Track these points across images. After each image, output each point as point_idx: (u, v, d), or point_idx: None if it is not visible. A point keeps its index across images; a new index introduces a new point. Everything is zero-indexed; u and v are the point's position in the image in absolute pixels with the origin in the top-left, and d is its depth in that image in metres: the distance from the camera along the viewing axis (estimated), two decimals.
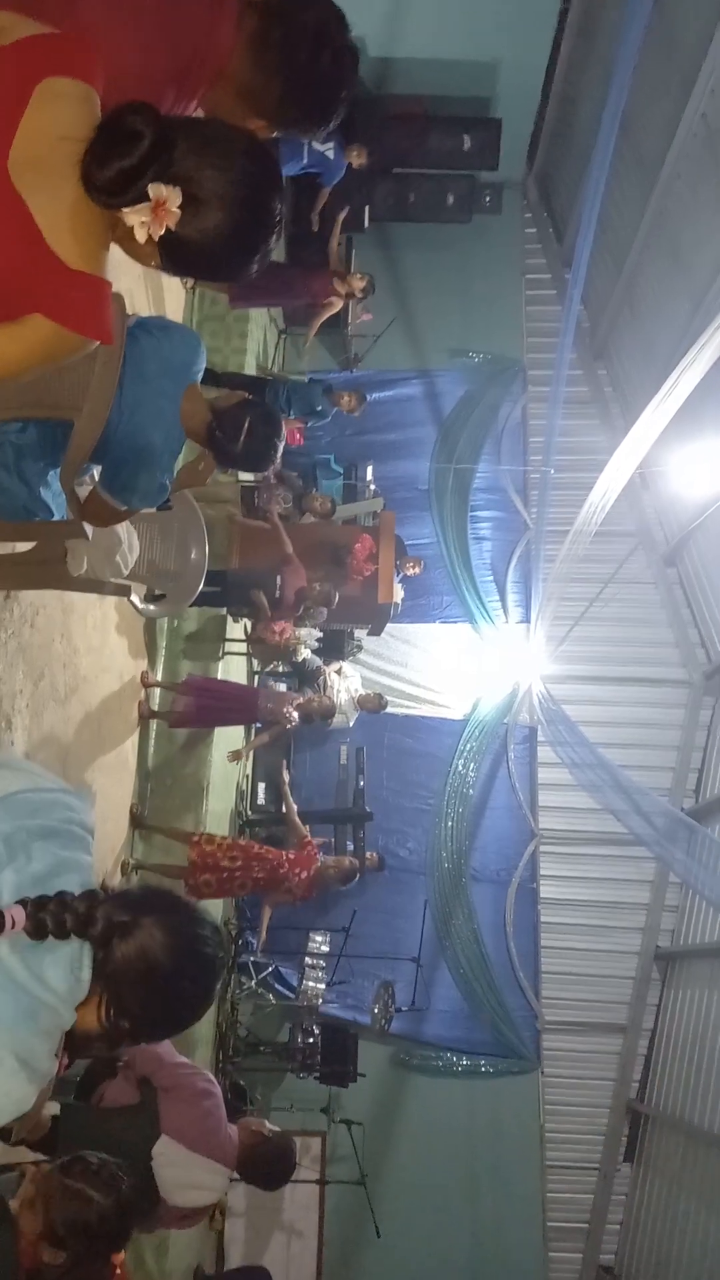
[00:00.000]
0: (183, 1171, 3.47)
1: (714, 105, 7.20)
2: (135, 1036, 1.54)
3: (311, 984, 7.99)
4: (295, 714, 6.50)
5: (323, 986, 8.02)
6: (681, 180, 7.91)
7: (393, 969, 8.35)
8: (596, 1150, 8.99)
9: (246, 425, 2.89)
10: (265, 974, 8.22)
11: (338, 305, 7.67)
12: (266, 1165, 3.69)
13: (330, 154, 7.16)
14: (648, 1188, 8.65)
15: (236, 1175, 3.69)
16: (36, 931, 1.38)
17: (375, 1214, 7.66)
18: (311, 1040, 7.79)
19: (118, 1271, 2.39)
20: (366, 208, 9.40)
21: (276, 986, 8.34)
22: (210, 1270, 7.62)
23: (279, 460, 3.16)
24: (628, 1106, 8.97)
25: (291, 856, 5.91)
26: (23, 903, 1.39)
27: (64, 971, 1.42)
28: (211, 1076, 3.75)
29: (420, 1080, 8.79)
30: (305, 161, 7.09)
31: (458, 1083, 8.82)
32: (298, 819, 6.22)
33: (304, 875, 5.90)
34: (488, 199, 10.31)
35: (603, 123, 6.70)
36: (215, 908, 7.26)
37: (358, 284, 7.56)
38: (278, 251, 8.41)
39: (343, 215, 7.82)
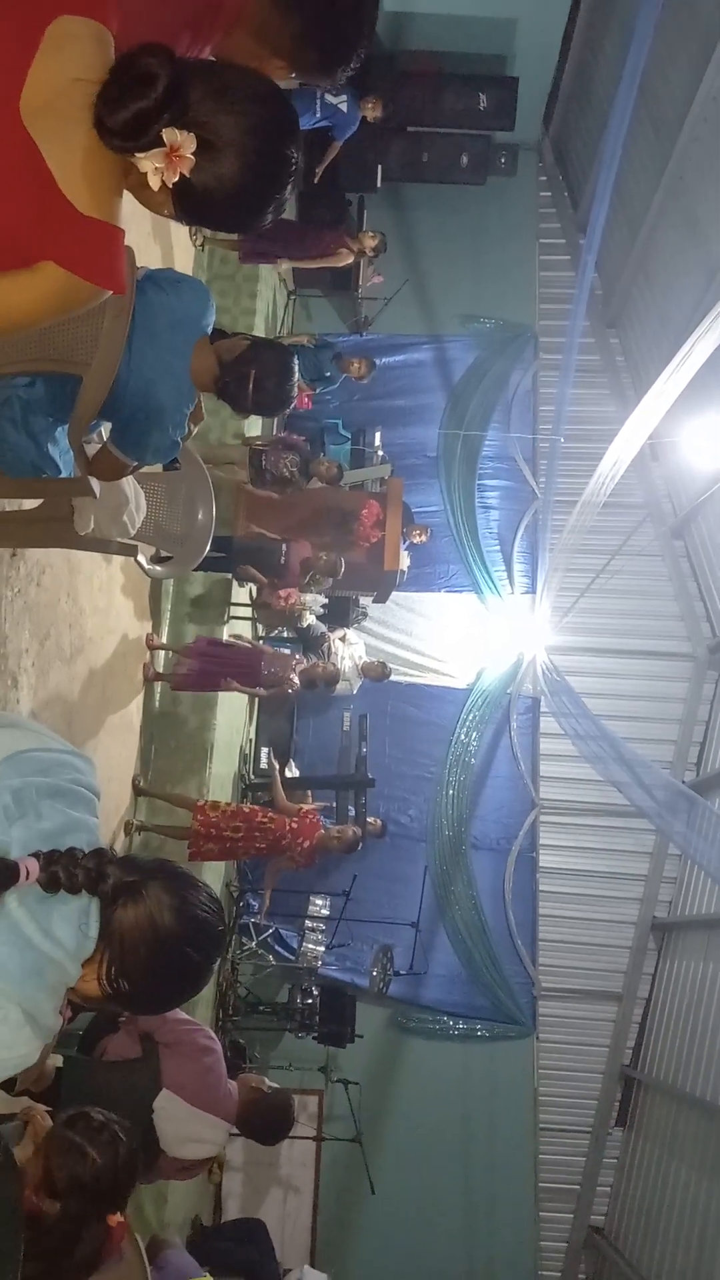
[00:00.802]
0: (183, 1125, 3.53)
1: None
2: (134, 1002, 1.53)
3: (311, 946, 8.08)
4: (297, 678, 6.51)
5: (322, 949, 8.11)
6: (699, 146, 7.77)
7: (392, 933, 8.44)
8: (589, 1114, 9.13)
9: (253, 373, 2.85)
10: (265, 935, 8.31)
11: (348, 258, 7.57)
12: (265, 1120, 3.75)
13: (344, 107, 7.03)
14: (639, 1151, 8.79)
15: (236, 1130, 3.74)
16: (49, 884, 1.38)
17: (370, 1171, 7.80)
18: (310, 1001, 7.88)
19: (113, 1228, 2.40)
20: (379, 166, 9.26)
21: (276, 948, 8.43)
22: (207, 1222, 7.78)
23: (291, 408, 3.14)
24: (621, 1072, 9.09)
25: (294, 826, 5.93)
26: (35, 856, 1.40)
27: (72, 927, 1.42)
28: (212, 1033, 3.80)
29: (417, 1042, 8.91)
30: (318, 115, 6.97)
31: (454, 1046, 8.94)
32: (286, 803, 6.22)
33: (306, 844, 5.93)
34: (503, 160, 10.14)
35: (621, 86, 6.57)
36: (217, 869, 7.33)
37: (369, 242, 7.46)
38: (289, 208, 8.26)
39: (334, 150, 7.62)
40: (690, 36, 7.25)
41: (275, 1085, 3.80)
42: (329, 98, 6.87)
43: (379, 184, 9.39)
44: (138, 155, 1.39)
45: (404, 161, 9.75)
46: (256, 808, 6.17)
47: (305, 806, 6.24)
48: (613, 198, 7.18)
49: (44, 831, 1.45)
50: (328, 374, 7.91)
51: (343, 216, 9.25)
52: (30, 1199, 2.25)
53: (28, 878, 1.37)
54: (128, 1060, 3.59)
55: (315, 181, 7.93)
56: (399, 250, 9.70)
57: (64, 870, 1.40)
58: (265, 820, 5.88)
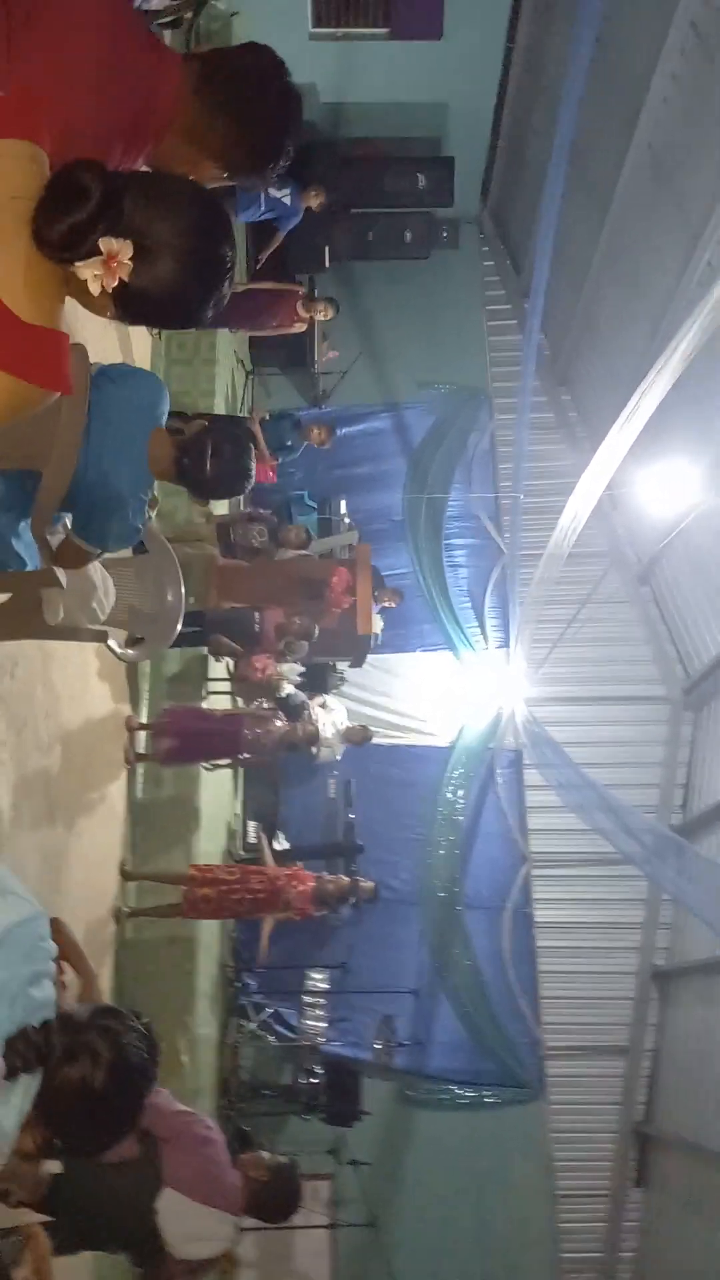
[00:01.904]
0: (188, 1222, 3.42)
1: (659, 135, 7.40)
2: (67, 1152, 1.70)
3: (311, 1022, 7.92)
4: (277, 744, 6.51)
5: (324, 1024, 7.95)
6: (633, 208, 8.10)
7: (392, 1002, 8.29)
8: (606, 1177, 8.89)
9: (211, 447, 2.90)
10: (265, 1015, 8.14)
11: (302, 328, 7.79)
12: (274, 1199, 3.64)
13: (287, 199, 7.29)
14: (660, 1211, 8.55)
15: (245, 1221, 3.63)
16: (9, 1075, 1.48)
17: (389, 1257, 7.54)
18: (314, 1080, 7.71)
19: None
20: (326, 247, 9.56)
21: (276, 1028, 8.24)
22: None
23: (251, 484, 3.16)
24: (634, 1129, 8.89)
25: (287, 872, 5.93)
26: None
27: (13, 1112, 1.51)
28: (211, 1123, 3.70)
29: (426, 1115, 8.68)
30: (262, 208, 7.21)
31: (464, 1115, 8.72)
32: (274, 865, 6.23)
33: (302, 890, 5.89)
34: (445, 234, 10.53)
35: (553, 155, 6.85)
36: (211, 949, 7.20)
37: (321, 312, 7.69)
38: (242, 280, 8.43)
39: (276, 240, 7.91)
40: (618, 98, 7.59)
41: (277, 1158, 3.70)
42: (273, 191, 7.13)
43: (327, 264, 9.70)
44: (77, 264, 1.45)
45: (350, 241, 10.09)
46: (248, 866, 6.16)
47: (294, 865, 6.23)
48: (554, 260, 7.43)
49: (16, 1022, 1.54)
50: (289, 443, 8.06)
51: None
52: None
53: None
54: (126, 1160, 3.49)
55: (258, 268, 8.18)
56: (352, 324, 9.98)
57: (20, 1056, 1.49)
58: (259, 869, 5.89)
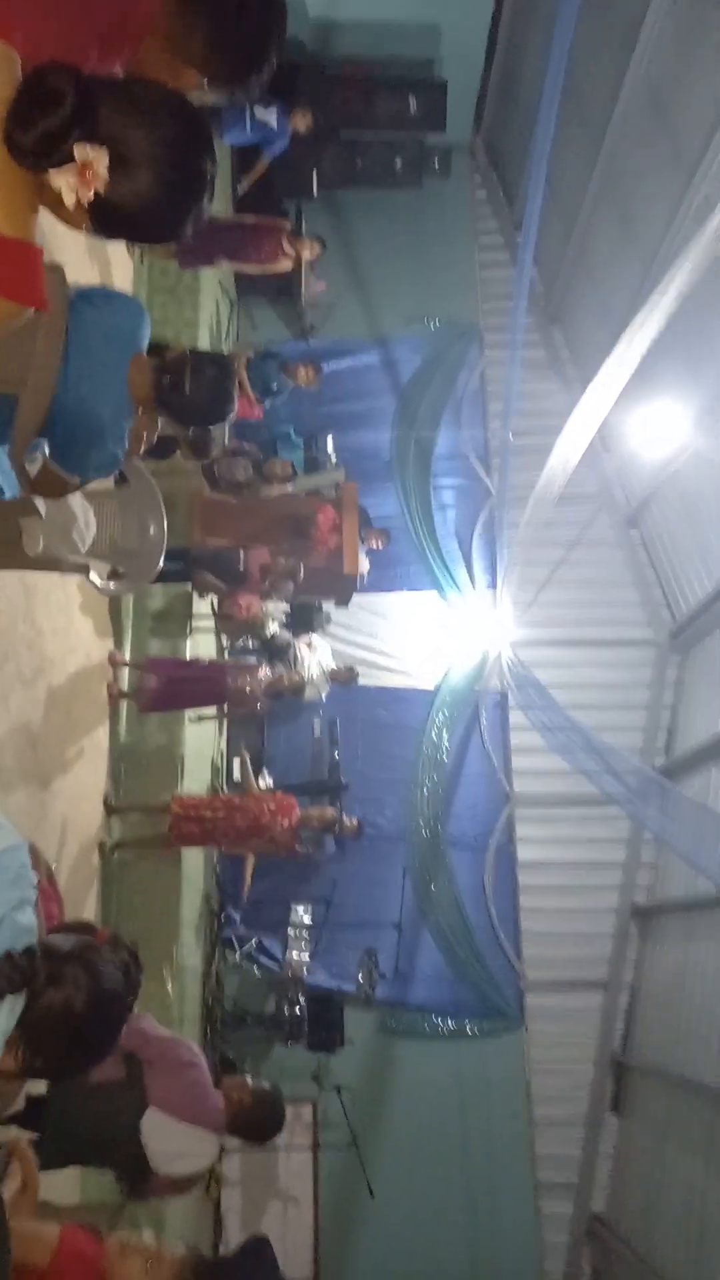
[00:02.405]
0: (172, 1141, 3.52)
1: (656, 66, 7.19)
2: (45, 1074, 1.72)
3: (295, 955, 8.06)
4: (262, 693, 6.51)
5: (307, 957, 8.09)
6: (627, 140, 7.90)
7: (375, 937, 8.44)
8: (583, 1105, 9.15)
9: (191, 370, 2.81)
10: (249, 947, 8.28)
11: (288, 266, 7.59)
12: (256, 1120, 3.76)
13: (273, 121, 7.07)
14: (634, 1137, 8.83)
15: (227, 1140, 3.74)
16: None
17: (368, 1176, 7.79)
18: (298, 1010, 7.87)
19: None
20: (315, 173, 9.31)
21: (261, 959, 8.40)
22: (208, 1240, 7.72)
23: (234, 410, 3.08)
24: (611, 1059, 9.14)
25: (272, 807, 5.97)
26: None
27: None
28: (196, 1047, 3.79)
29: (407, 1044, 8.90)
30: (249, 131, 6.99)
31: (444, 1044, 8.94)
32: (259, 791, 6.27)
33: (286, 823, 5.96)
34: (436, 162, 10.26)
35: (547, 83, 6.64)
36: (196, 882, 7.29)
37: (308, 250, 7.47)
38: (226, 210, 8.19)
39: (261, 166, 7.67)
40: (613, 29, 7.36)
41: (260, 1084, 3.81)
42: (259, 113, 6.90)
43: (315, 191, 9.45)
44: (51, 173, 1.40)
45: (339, 168, 9.82)
46: (232, 795, 6.20)
47: (279, 792, 6.27)
48: (547, 193, 7.25)
49: (1, 943, 1.59)
50: (274, 386, 7.90)
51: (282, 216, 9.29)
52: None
53: None
54: (112, 1081, 3.57)
55: (241, 196, 7.95)
56: (340, 256, 9.75)
57: (5, 979, 1.53)
58: (244, 802, 5.93)
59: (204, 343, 7.76)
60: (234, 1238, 7.71)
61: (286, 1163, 8.08)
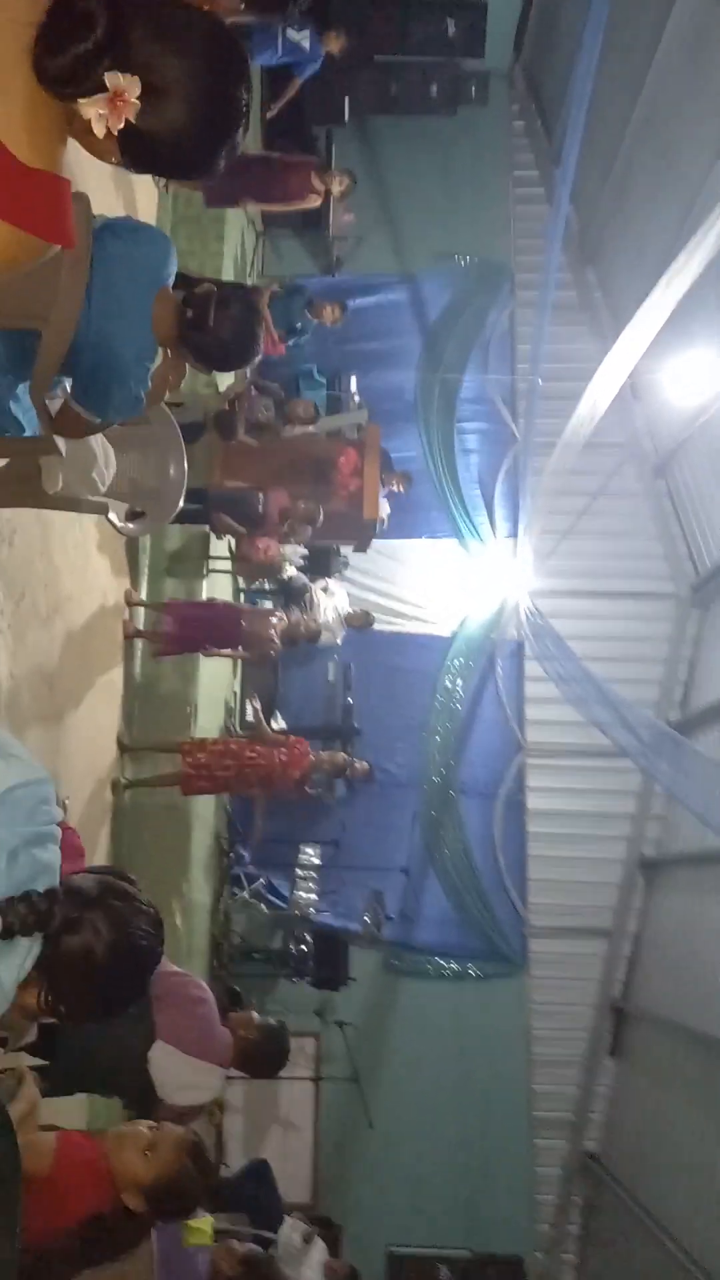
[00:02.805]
0: (178, 1073, 3.59)
1: None
2: (68, 1018, 1.67)
3: (303, 895, 8.18)
4: (278, 639, 6.49)
5: (314, 896, 8.21)
6: (672, 73, 7.58)
7: (382, 879, 8.55)
8: (581, 1047, 9.35)
9: (217, 310, 2.71)
10: (257, 884, 8.41)
11: (316, 201, 7.36)
12: (261, 1056, 3.84)
13: (306, 44, 6.79)
14: (629, 1080, 9.03)
15: (233, 1072, 3.82)
16: (4, 933, 1.48)
17: (368, 1107, 8.00)
18: (304, 947, 8.01)
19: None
20: (347, 99, 9.00)
21: (269, 897, 8.53)
22: (210, 1160, 7.96)
23: (259, 353, 2.99)
24: (611, 1005, 9.30)
25: (283, 758, 5.97)
26: None
27: (12, 970, 1.51)
28: (203, 984, 3.85)
29: (410, 984, 9.07)
30: (280, 53, 6.73)
31: (447, 985, 9.11)
32: (272, 735, 6.28)
33: (297, 774, 5.98)
34: (473, 90, 9.89)
35: (591, 9, 6.37)
36: (207, 821, 7.38)
37: (337, 184, 7.23)
38: (255, 143, 7.98)
39: (293, 88, 7.40)
40: None
41: (266, 1019, 3.87)
42: (291, 34, 6.62)
43: (347, 117, 9.14)
44: (80, 101, 1.32)
45: (372, 94, 9.49)
46: (244, 741, 6.20)
47: (292, 738, 6.28)
48: (586, 127, 6.99)
49: (17, 881, 1.53)
50: (299, 324, 7.71)
51: (310, 152, 9.00)
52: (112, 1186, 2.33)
53: None
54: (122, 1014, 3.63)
55: (271, 118, 7.69)
56: (370, 186, 9.47)
57: (19, 919, 1.49)
58: (254, 755, 5.92)
59: (229, 274, 7.59)
60: (235, 1162, 7.96)
61: (289, 1092, 8.31)
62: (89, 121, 1.35)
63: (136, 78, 1.32)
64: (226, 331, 2.65)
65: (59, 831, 1.67)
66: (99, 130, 1.34)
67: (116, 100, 1.32)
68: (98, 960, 1.59)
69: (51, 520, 4.45)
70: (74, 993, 1.61)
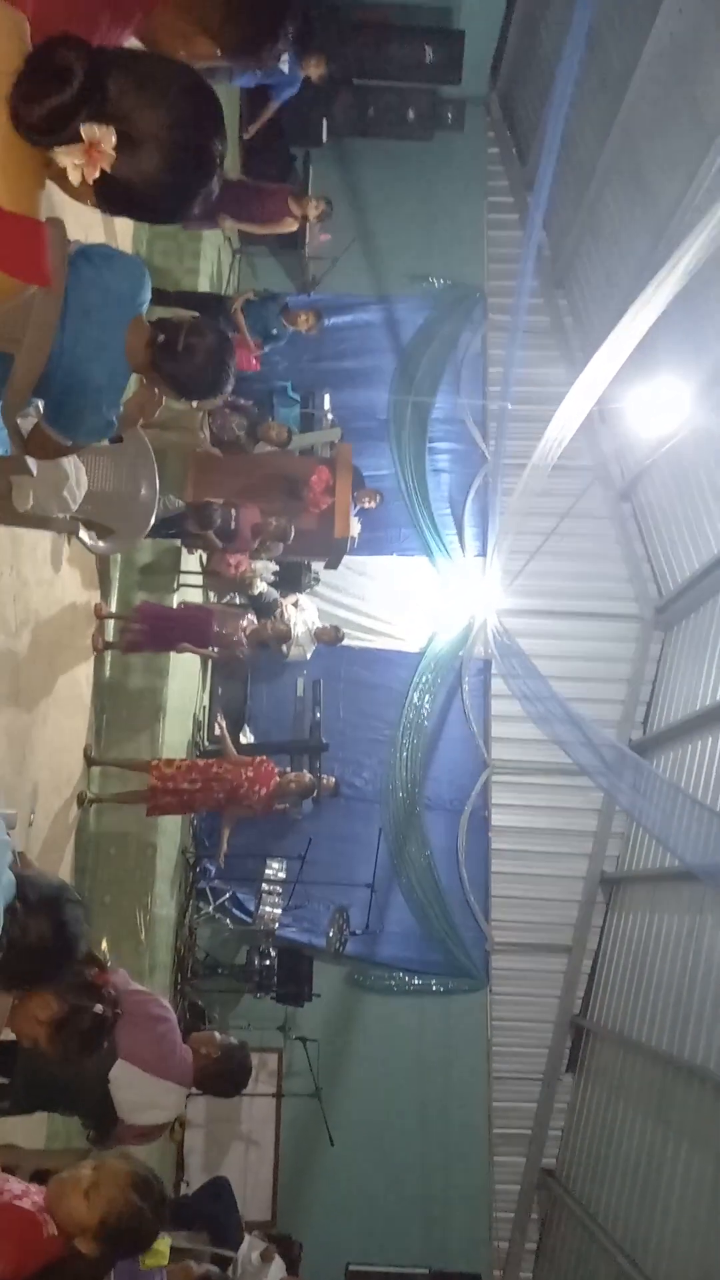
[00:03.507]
0: (139, 1093, 3.59)
1: (682, 25, 7.01)
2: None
3: (268, 909, 8.17)
4: (246, 641, 6.51)
5: (279, 911, 8.20)
6: (646, 104, 7.74)
7: (347, 894, 8.56)
8: (540, 1062, 9.40)
9: (188, 345, 2.73)
10: (223, 899, 8.39)
11: (292, 226, 7.42)
12: (222, 1077, 3.83)
13: (285, 67, 6.86)
14: (588, 1096, 9.09)
15: (194, 1091, 3.82)
16: None
17: (329, 1124, 7.99)
18: (268, 962, 8.00)
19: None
20: (325, 121, 9.08)
21: (234, 911, 8.52)
22: (170, 1180, 7.91)
23: (230, 386, 3.02)
24: (571, 1021, 9.37)
25: (250, 775, 5.99)
26: None
27: None
28: (165, 1002, 3.85)
29: (373, 999, 9.09)
30: (259, 76, 6.79)
31: (409, 1001, 9.13)
32: (238, 756, 6.29)
33: (264, 791, 5.99)
34: (450, 115, 10.02)
35: (568, 40, 6.49)
36: (173, 835, 7.36)
37: (314, 209, 7.29)
38: (233, 163, 7.99)
39: (270, 110, 7.46)
40: None
41: (228, 1040, 3.87)
42: None
43: (324, 139, 9.23)
44: (57, 150, 1.36)
45: (350, 116, 9.59)
46: (210, 760, 6.21)
47: (258, 758, 6.29)
48: (560, 154, 7.12)
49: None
50: (274, 331, 7.77)
51: (287, 173, 9.07)
52: (61, 1234, 2.31)
53: None
54: None
55: (248, 140, 7.75)
56: (346, 208, 9.56)
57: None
58: (221, 771, 5.93)
59: (204, 289, 7.62)
60: (196, 1179, 7.91)
61: (250, 1108, 8.27)
62: (65, 169, 1.39)
63: (112, 128, 1.36)
64: (199, 361, 2.69)
65: (12, 857, 1.78)
66: (74, 178, 1.38)
67: (92, 150, 1.36)
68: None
69: (22, 535, 4.45)
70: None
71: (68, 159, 1.36)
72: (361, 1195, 8.62)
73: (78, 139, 1.35)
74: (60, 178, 1.43)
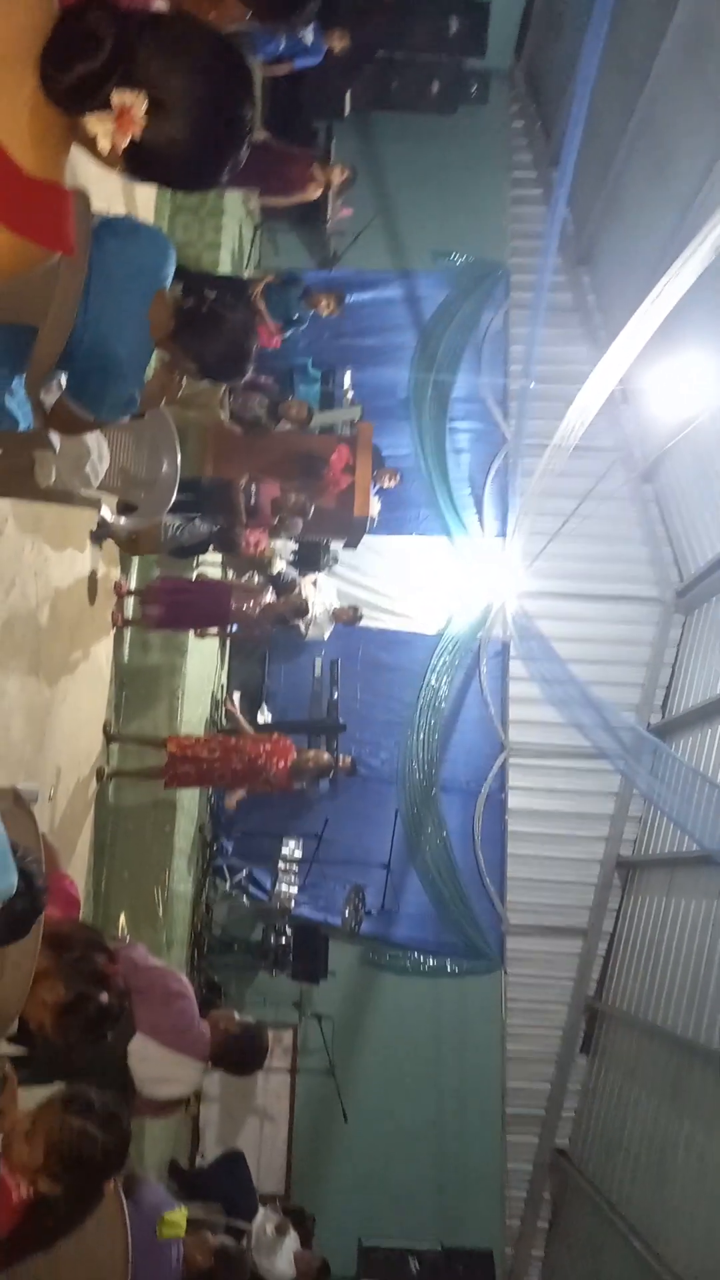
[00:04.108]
0: (156, 1067, 3.61)
1: (706, 2, 6.87)
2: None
3: (285, 887, 8.21)
4: (264, 617, 6.52)
5: (295, 890, 8.24)
6: (672, 77, 7.61)
7: (363, 874, 8.59)
8: (554, 1044, 9.43)
9: (212, 317, 2.69)
10: (239, 877, 8.43)
11: (316, 193, 7.34)
12: (238, 1055, 3.85)
13: (308, 39, 6.77)
14: (601, 1078, 9.12)
15: (210, 1067, 3.84)
16: None
17: (343, 1100, 8.05)
18: (284, 940, 8.04)
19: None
20: (347, 93, 8.98)
21: (250, 889, 8.56)
22: (185, 1153, 8.00)
23: (250, 369, 2.99)
24: (586, 1004, 9.38)
25: (268, 749, 6.01)
26: None
27: None
28: (184, 978, 3.87)
29: (388, 978, 9.13)
30: (282, 46, 6.71)
31: (424, 981, 9.17)
32: (254, 734, 6.34)
33: (282, 765, 6.01)
34: (474, 88, 9.88)
35: (594, 12, 6.37)
36: (190, 812, 7.39)
37: (337, 176, 7.22)
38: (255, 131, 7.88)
39: (284, 67, 7.30)
40: None
41: (246, 1019, 3.89)
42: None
43: (347, 111, 9.12)
44: (87, 116, 1.34)
45: (373, 89, 9.47)
46: (229, 735, 6.24)
47: (275, 735, 6.32)
48: (585, 130, 7.00)
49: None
50: (295, 315, 7.70)
51: (310, 146, 8.97)
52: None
53: None
54: None
55: (269, 115, 7.64)
56: (368, 182, 9.47)
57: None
58: (239, 743, 5.97)
59: (225, 267, 7.57)
60: (211, 1152, 8.00)
61: (265, 1084, 8.33)
62: (94, 135, 1.36)
63: (143, 94, 1.34)
64: (222, 339, 2.66)
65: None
66: (104, 146, 1.36)
67: (123, 118, 1.33)
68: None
69: (43, 511, 4.45)
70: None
71: (98, 126, 1.33)
72: (375, 1171, 8.69)
73: (108, 106, 1.33)
74: (88, 144, 1.41)
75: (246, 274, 8.42)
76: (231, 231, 7.90)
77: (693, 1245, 6.78)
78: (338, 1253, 7.78)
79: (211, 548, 6.45)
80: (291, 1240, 6.16)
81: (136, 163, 1.41)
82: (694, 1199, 6.94)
